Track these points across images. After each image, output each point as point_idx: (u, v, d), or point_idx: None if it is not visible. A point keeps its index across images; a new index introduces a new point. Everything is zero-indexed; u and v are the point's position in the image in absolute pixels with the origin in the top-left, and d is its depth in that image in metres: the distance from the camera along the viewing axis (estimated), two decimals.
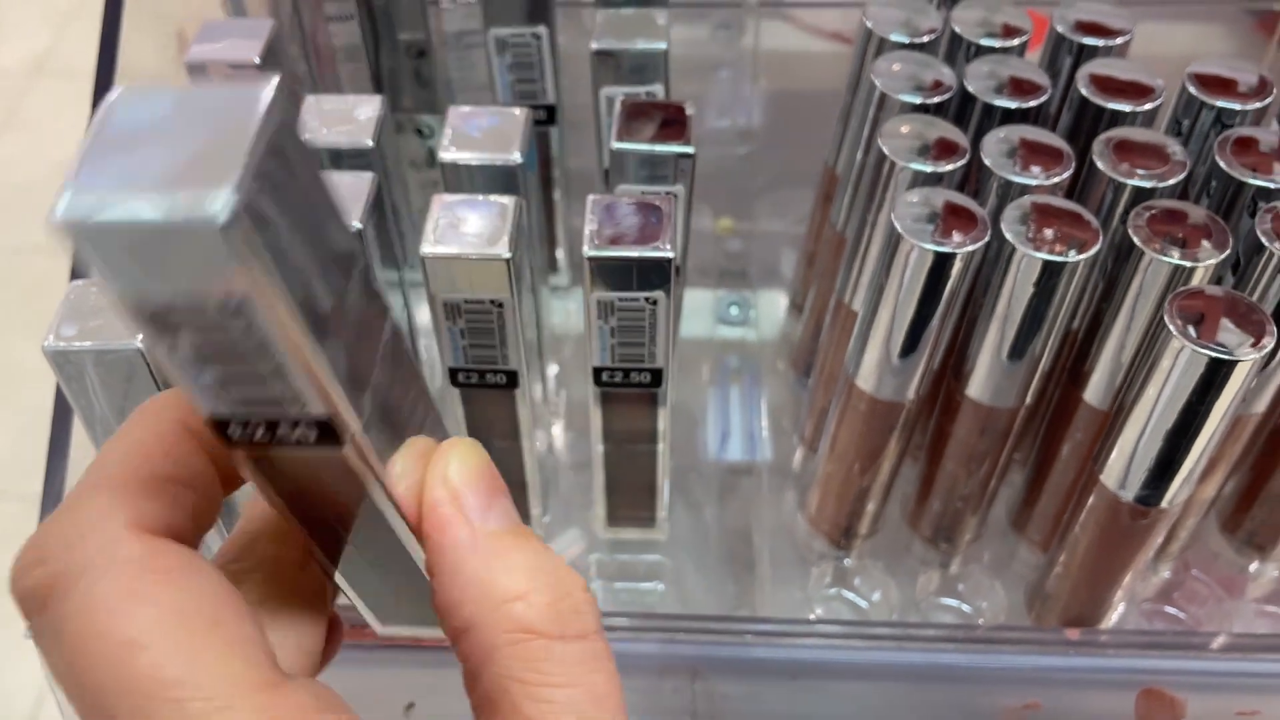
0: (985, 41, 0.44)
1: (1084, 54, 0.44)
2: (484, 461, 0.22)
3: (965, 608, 0.49)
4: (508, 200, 0.39)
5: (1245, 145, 0.40)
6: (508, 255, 0.37)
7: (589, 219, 0.38)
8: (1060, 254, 0.36)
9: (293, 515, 0.22)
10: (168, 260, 0.16)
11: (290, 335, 0.17)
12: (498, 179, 0.42)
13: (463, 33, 0.54)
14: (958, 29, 0.45)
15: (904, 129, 0.41)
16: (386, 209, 0.43)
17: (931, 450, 0.45)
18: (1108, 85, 0.42)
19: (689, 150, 0.41)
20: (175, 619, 0.19)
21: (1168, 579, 0.48)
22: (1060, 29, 0.45)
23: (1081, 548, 0.41)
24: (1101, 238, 0.37)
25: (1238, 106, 0.41)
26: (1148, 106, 0.42)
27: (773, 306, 0.61)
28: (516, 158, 0.41)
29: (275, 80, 0.17)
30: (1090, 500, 0.40)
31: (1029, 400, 0.42)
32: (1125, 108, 0.42)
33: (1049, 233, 0.37)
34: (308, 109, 0.42)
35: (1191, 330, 0.34)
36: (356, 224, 0.38)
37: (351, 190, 0.39)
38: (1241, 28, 0.71)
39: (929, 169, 0.39)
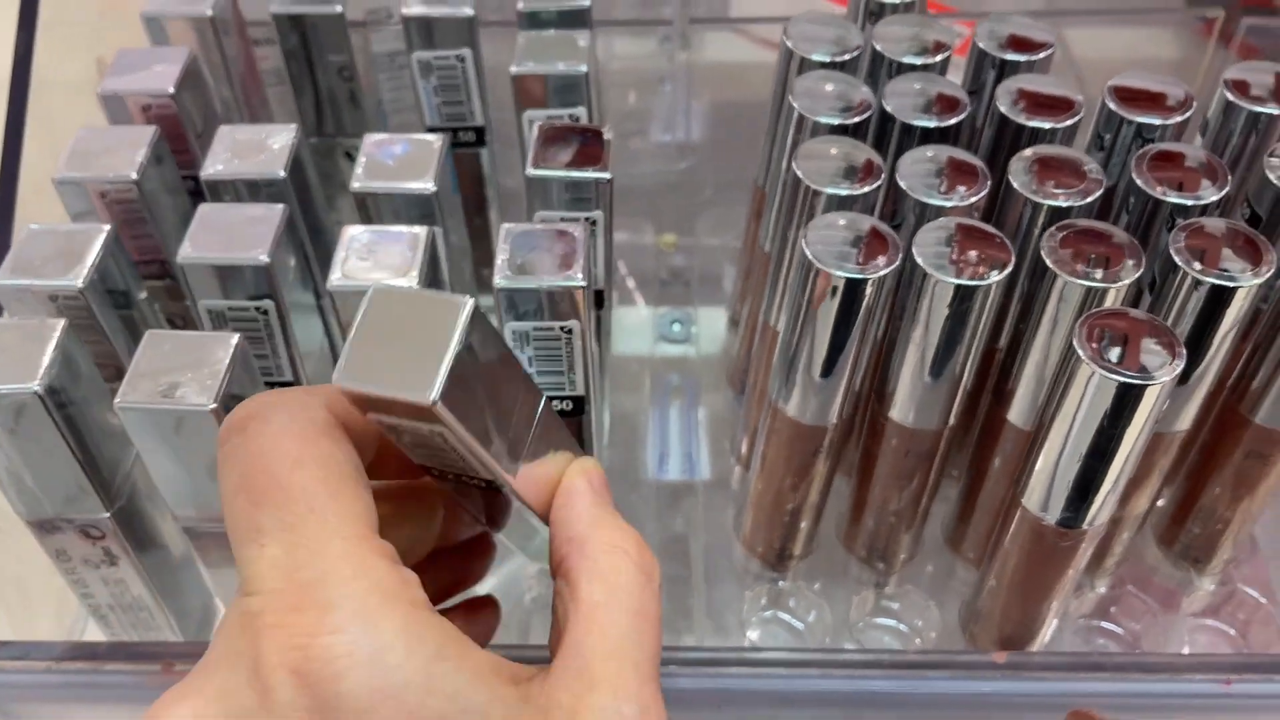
0: (907, 59, 0.44)
1: (1006, 69, 0.44)
2: (603, 471, 0.31)
3: (902, 627, 0.48)
4: (419, 230, 0.38)
5: (1166, 161, 0.40)
6: (416, 287, 0.37)
7: (500, 248, 0.38)
8: (974, 277, 0.36)
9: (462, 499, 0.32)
10: (402, 409, 0.25)
11: (469, 444, 0.27)
12: (413, 207, 0.41)
13: (393, 54, 0.54)
14: (879, 46, 0.44)
15: (821, 151, 0.40)
16: (302, 238, 0.43)
17: (861, 471, 0.45)
18: (1032, 101, 0.42)
19: (605, 176, 0.41)
20: (332, 466, 0.25)
21: (1104, 594, 0.48)
22: (982, 44, 0.44)
23: (1010, 568, 0.41)
24: (1013, 259, 0.36)
25: (1158, 121, 0.41)
26: (1067, 123, 0.41)
27: (714, 323, 0.60)
28: (430, 186, 0.41)
29: (470, 301, 0.26)
30: (1015, 521, 0.40)
31: (954, 420, 0.41)
32: (1045, 124, 0.41)
33: (964, 255, 0.36)
34: (220, 139, 0.42)
35: (1103, 353, 0.33)
36: (264, 258, 0.38)
37: (259, 223, 0.39)
38: (1186, 30, 0.71)
39: (844, 192, 0.39)
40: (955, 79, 0.45)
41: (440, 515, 0.32)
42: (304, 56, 0.50)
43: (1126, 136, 0.42)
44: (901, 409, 0.41)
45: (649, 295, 0.62)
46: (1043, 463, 0.37)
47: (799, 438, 0.42)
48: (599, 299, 0.45)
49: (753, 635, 0.48)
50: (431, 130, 0.51)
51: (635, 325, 0.61)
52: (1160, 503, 0.48)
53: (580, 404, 0.41)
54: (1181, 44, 0.71)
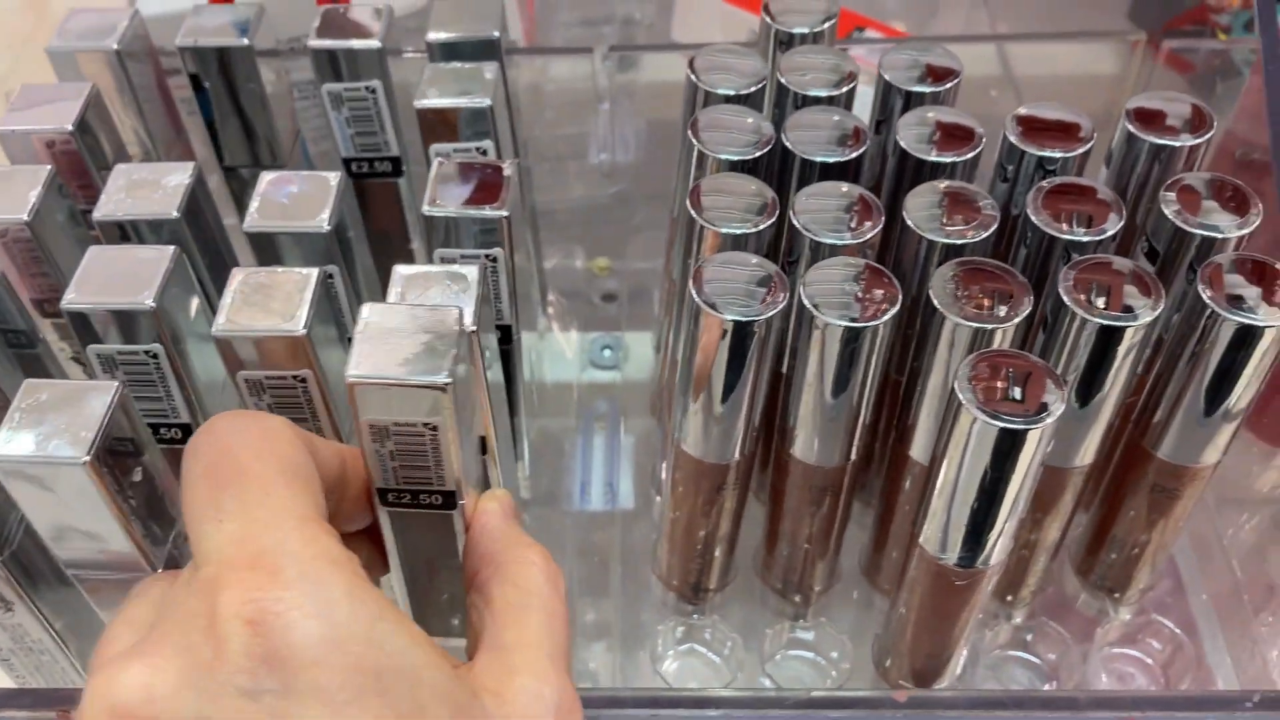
0: (812, 91, 0.44)
1: (912, 100, 0.44)
2: (511, 499, 0.34)
3: (820, 660, 0.48)
4: (309, 271, 0.38)
5: (1064, 194, 0.40)
6: (302, 331, 0.37)
7: (391, 290, 0.37)
8: (865, 316, 0.36)
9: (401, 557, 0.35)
10: (402, 403, 0.29)
11: (452, 443, 0.30)
12: (309, 247, 0.41)
13: (308, 84, 0.53)
14: (783, 79, 0.44)
15: (720, 186, 0.40)
16: (202, 277, 0.42)
17: (771, 505, 0.45)
18: (936, 133, 0.42)
19: (502, 214, 0.40)
20: (289, 464, 0.27)
21: (1020, 625, 0.47)
22: (888, 75, 0.44)
23: (915, 603, 0.41)
24: (900, 299, 0.36)
25: (1058, 154, 0.41)
26: (968, 155, 0.41)
27: (644, 348, 0.60)
28: (324, 225, 0.40)
29: (459, 309, 0.30)
30: (915, 558, 0.39)
31: (856, 455, 0.41)
32: (945, 158, 0.41)
33: (854, 294, 0.36)
34: (114, 178, 0.41)
35: (986, 396, 0.33)
36: (150, 303, 0.37)
37: (148, 265, 0.38)
38: (1124, 46, 0.71)
39: (737, 230, 0.39)
40: (866, 110, 0.45)
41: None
42: (215, 89, 0.50)
43: (1029, 169, 0.41)
44: (802, 446, 0.40)
45: (580, 320, 0.62)
46: (936, 504, 0.37)
47: (702, 474, 0.42)
48: (506, 334, 0.45)
49: (669, 668, 0.48)
50: (346, 161, 0.51)
51: (565, 351, 0.60)
52: (1078, 532, 0.47)
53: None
54: (1121, 59, 0.71)
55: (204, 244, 0.43)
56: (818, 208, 0.39)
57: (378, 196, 0.52)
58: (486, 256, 0.42)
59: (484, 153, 0.46)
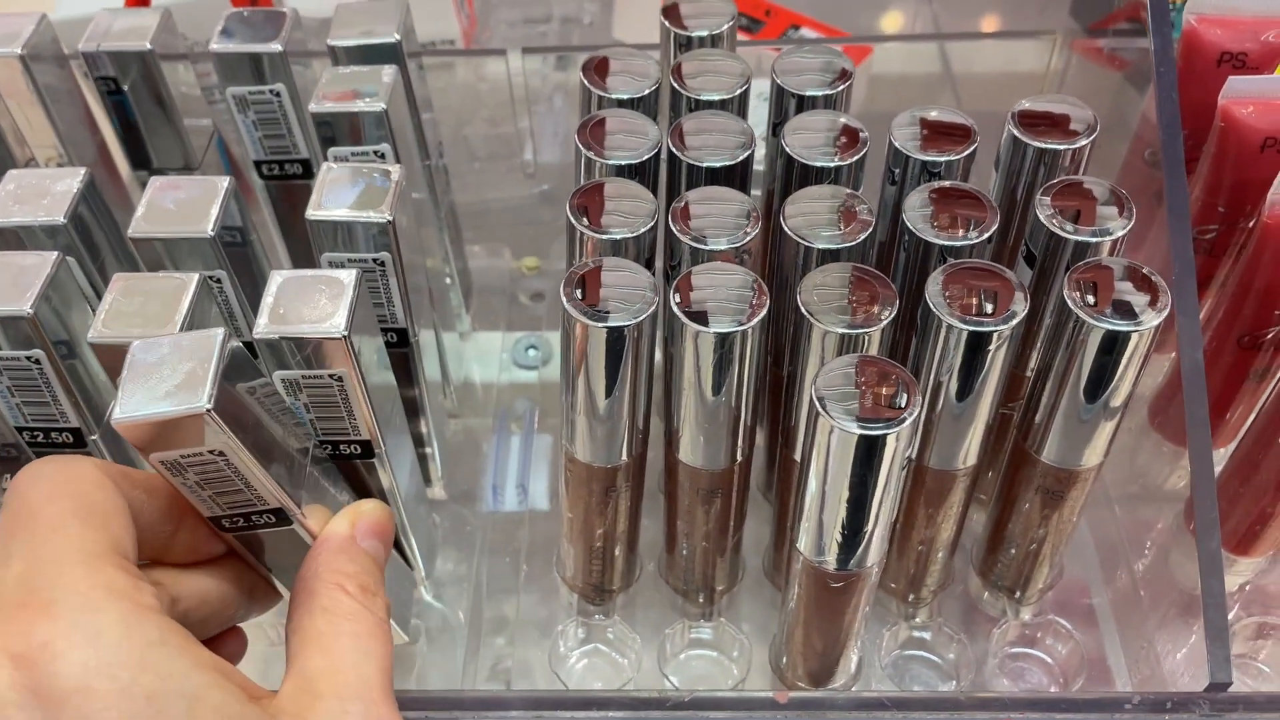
0: (705, 96, 0.44)
1: (805, 104, 0.44)
2: (383, 514, 0.36)
3: (724, 659, 0.49)
4: (188, 277, 0.38)
5: (946, 198, 0.40)
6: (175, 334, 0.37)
7: (266, 296, 0.37)
8: (737, 322, 0.36)
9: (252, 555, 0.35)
10: (179, 433, 0.29)
11: (248, 464, 0.31)
12: (194, 253, 0.41)
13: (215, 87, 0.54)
14: (676, 84, 0.44)
15: (599, 193, 0.40)
16: (94, 282, 0.42)
17: (667, 507, 0.45)
18: (822, 136, 0.42)
19: (386, 218, 0.41)
20: (85, 501, 0.28)
21: (920, 624, 0.48)
22: (780, 79, 0.44)
23: (800, 604, 0.41)
24: (768, 304, 0.36)
25: (940, 158, 0.41)
26: (854, 159, 0.41)
27: None
28: (207, 230, 0.40)
29: (222, 331, 0.31)
30: (796, 561, 0.40)
31: (742, 457, 0.41)
32: (831, 163, 0.41)
33: (730, 298, 0.36)
34: (4, 185, 0.42)
35: (845, 400, 0.33)
36: (28, 309, 0.38)
37: (29, 272, 0.38)
38: (1052, 43, 0.70)
39: (615, 236, 0.39)
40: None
41: (247, 598, 0.36)
42: (123, 92, 0.50)
43: (914, 172, 0.42)
44: (687, 450, 0.41)
45: (508, 320, 0.62)
46: (808, 508, 0.37)
47: (592, 478, 0.42)
48: (401, 337, 0.45)
49: (572, 668, 0.48)
50: (257, 164, 0.51)
51: (491, 350, 0.61)
52: (979, 533, 0.48)
53: (367, 447, 0.40)
54: (1056, 55, 0.71)
55: (98, 250, 0.43)
56: (703, 213, 0.39)
57: (291, 199, 0.52)
58: (374, 260, 0.42)
59: (382, 156, 0.46)
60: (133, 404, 0.29)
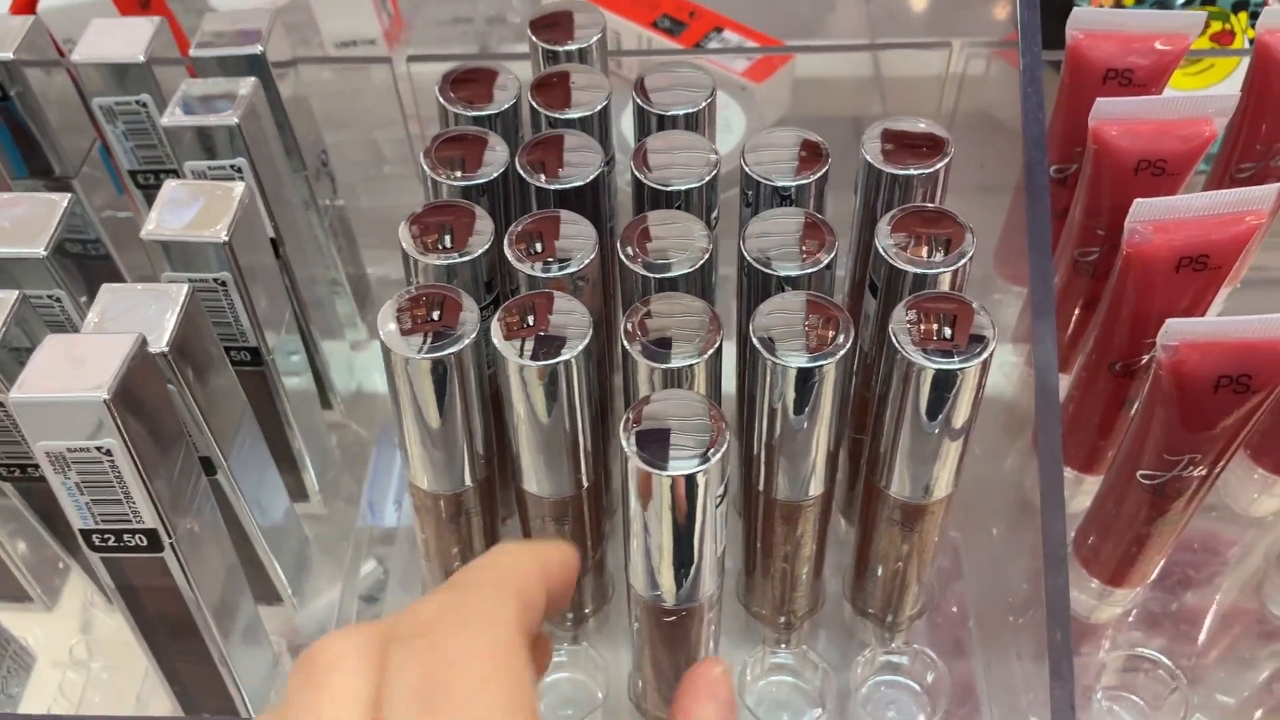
0: (560, 114, 0.43)
1: (666, 123, 0.43)
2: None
3: (589, 683, 0.48)
4: (5, 295, 0.38)
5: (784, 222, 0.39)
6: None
7: (92, 312, 0.37)
8: (554, 353, 0.35)
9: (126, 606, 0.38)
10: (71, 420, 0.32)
11: (133, 471, 0.33)
12: (30, 272, 0.40)
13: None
14: (533, 101, 0.43)
15: (437, 215, 0.39)
16: None
17: (523, 534, 0.44)
18: (673, 157, 0.41)
19: (221, 238, 0.40)
20: (515, 686, 0.24)
21: (789, 651, 0.47)
22: (639, 100, 0.43)
23: (644, 636, 0.40)
24: (589, 334, 0.35)
25: (791, 183, 0.40)
26: (706, 179, 0.40)
27: None
28: (40, 251, 0.40)
29: (138, 334, 0.34)
30: (632, 595, 0.39)
31: (589, 482, 0.40)
32: (681, 186, 0.40)
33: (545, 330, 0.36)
34: None
35: (644, 442, 0.33)
36: None
37: None
38: (985, 53, 0.69)
39: (444, 262, 0.38)
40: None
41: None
42: None
43: (767, 196, 0.41)
44: (527, 479, 0.40)
45: None
46: (634, 546, 0.36)
47: (435, 504, 0.41)
48: (255, 355, 0.44)
49: None
50: (131, 174, 0.50)
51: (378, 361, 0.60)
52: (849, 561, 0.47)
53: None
54: (1001, 69, 0.70)
55: None
56: (528, 237, 0.39)
57: None
58: (215, 280, 0.41)
59: (238, 170, 0.45)
60: (30, 387, 0.32)
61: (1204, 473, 0.40)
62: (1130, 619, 0.49)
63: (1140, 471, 0.41)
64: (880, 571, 0.44)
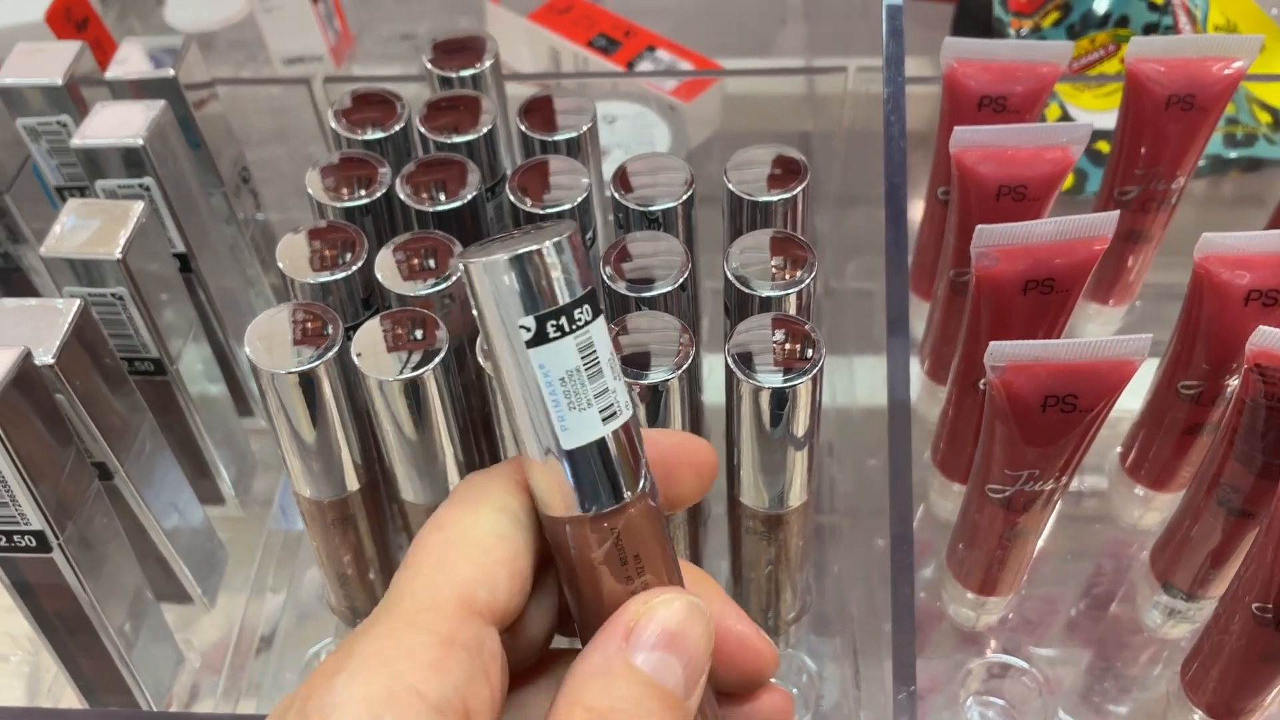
0: (443, 138, 0.45)
1: (547, 148, 0.45)
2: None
3: None
4: None
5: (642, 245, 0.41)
6: None
7: None
8: (415, 369, 0.37)
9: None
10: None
11: (17, 476, 0.35)
12: None
13: None
14: (423, 130, 0.45)
15: (304, 238, 0.41)
16: None
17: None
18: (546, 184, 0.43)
19: (115, 256, 0.42)
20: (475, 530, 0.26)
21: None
22: (523, 125, 0.45)
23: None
24: (444, 349, 0.37)
25: (656, 207, 0.42)
26: (578, 200, 0.42)
27: None
28: None
29: (22, 348, 0.37)
30: None
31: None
32: (549, 209, 0.42)
33: (403, 344, 0.38)
34: None
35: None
36: None
37: None
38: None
39: (320, 280, 0.40)
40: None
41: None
42: None
43: (634, 219, 0.43)
44: (404, 488, 0.42)
45: None
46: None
47: (319, 511, 0.43)
48: (157, 366, 0.46)
49: None
50: (58, 190, 0.52)
51: None
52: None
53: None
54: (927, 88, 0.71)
55: None
56: (405, 254, 0.41)
57: None
58: (112, 294, 0.43)
59: (146, 188, 0.47)
60: None
61: (1049, 487, 0.42)
62: (1008, 627, 0.51)
63: (988, 485, 0.42)
64: (751, 575, 0.45)
